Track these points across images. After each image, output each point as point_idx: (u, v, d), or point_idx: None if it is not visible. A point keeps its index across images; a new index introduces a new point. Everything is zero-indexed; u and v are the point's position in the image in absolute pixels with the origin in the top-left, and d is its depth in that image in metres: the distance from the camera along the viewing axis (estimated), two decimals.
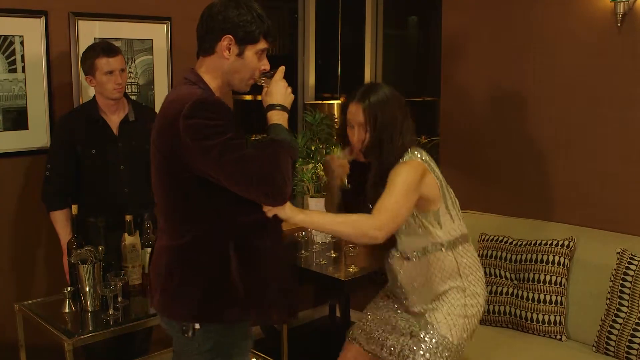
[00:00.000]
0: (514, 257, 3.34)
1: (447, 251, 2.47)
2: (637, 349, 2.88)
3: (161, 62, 3.77)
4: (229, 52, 2.06)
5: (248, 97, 4.91)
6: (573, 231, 3.32)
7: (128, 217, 2.90)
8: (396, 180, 2.34)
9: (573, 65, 3.45)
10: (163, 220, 2.17)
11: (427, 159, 2.46)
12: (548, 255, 3.23)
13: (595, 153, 3.42)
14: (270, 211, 2.06)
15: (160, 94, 3.77)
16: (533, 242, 3.32)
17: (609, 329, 3.00)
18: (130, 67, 3.61)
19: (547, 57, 3.55)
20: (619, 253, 3.07)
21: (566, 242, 3.23)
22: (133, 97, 3.47)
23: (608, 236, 3.27)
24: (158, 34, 3.73)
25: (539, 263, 3.24)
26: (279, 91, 2.12)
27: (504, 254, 3.38)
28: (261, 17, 2.09)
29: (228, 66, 2.08)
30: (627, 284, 2.98)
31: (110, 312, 2.66)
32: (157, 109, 3.51)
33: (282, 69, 2.16)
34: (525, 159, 3.69)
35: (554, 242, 3.26)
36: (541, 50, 3.57)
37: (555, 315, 3.17)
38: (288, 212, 2.10)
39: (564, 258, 3.20)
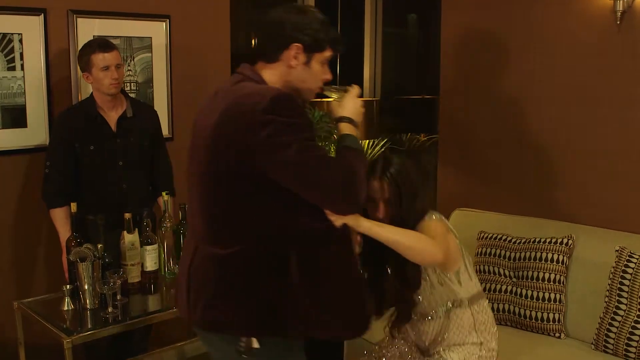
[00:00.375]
0: (513, 254, 3.34)
1: (466, 308, 2.48)
2: (635, 347, 2.89)
3: (160, 60, 3.77)
4: (296, 61, 1.98)
5: None
6: (572, 229, 3.32)
7: (127, 215, 2.90)
8: (428, 228, 2.32)
9: (572, 64, 3.45)
10: (207, 225, 1.98)
11: (444, 220, 2.46)
12: (547, 253, 3.23)
13: (594, 151, 3.42)
14: (338, 219, 1.95)
15: (160, 91, 3.77)
16: (532, 240, 3.32)
17: (607, 326, 3.00)
18: (129, 65, 3.61)
19: (546, 56, 3.55)
20: (617, 251, 3.07)
21: (565, 240, 3.23)
22: (132, 95, 3.48)
23: (607, 234, 3.27)
24: (157, 31, 3.73)
25: (538, 261, 3.24)
26: (353, 106, 2.08)
27: (503, 252, 3.38)
28: (326, 24, 2.03)
29: (295, 75, 2.00)
30: (626, 282, 2.98)
31: (109, 310, 2.66)
32: (157, 107, 3.58)
33: (357, 87, 2.13)
34: (524, 157, 3.69)
35: (553, 240, 3.26)
36: (540, 49, 3.57)
37: (554, 313, 3.17)
38: (358, 220, 2.03)
39: (563, 256, 3.20)
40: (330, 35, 2.03)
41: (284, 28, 1.97)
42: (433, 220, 2.38)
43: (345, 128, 2.04)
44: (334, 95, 2.12)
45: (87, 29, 3.45)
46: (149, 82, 3.73)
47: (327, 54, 2.04)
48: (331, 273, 1.97)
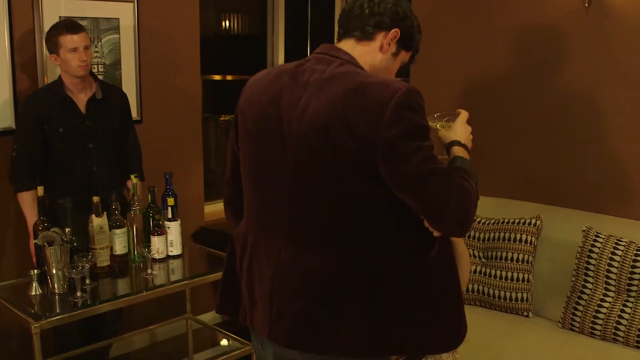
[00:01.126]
0: (482, 235, 3.38)
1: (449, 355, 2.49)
2: (601, 325, 2.94)
3: (128, 41, 3.72)
4: (388, 47, 1.84)
5: (217, 77, 4.87)
6: (540, 209, 3.36)
7: (95, 199, 2.87)
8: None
9: (541, 46, 3.48)
10: (299, 225, 1.76)
11: None
12: (516, 234, 3.27)
13: (561, 132, 3.46)
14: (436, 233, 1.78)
15: (128, 73, 3.72)
16: (501, 221, 3.36)
17: (574, 305, 3.05)
18: (96, 47, 3.56)
19: (515, 37, 3.57)
20: (584, 231, 3.12)
21: (533, 221, 3.27)
22: (100, 77, 3.43)
23: (574, 214, 3.31)
24: (124, 12, 3.68)
25: (506, 241, 3.28)
26: (463, 131, 1.96)
27: (472, 233, 3.41)
28: (420, 30, 1.93)
29: (382, 61, 1.85)
30: (593, 261, 3.03)
31: (78, 294, 2.64)
32: (125, 89, 3.54)
33: (466, 113, 2.01)
34: (493, 138, 3.72)
35: (522, 221, 3.30)
36: (509, 30, 3.59)
37: (522, 293, 3.22)
38: None
39: (531, 236, 3.24)
40: (419, 40, 1.94)
41: (388, 9, 1.84)
42: None
43: (459, 151, 1.89)
44: (439, 124, 2.02)
45: (53, 9, 3.39)
46: (116, 63, 3.68)
47: (407, 56, 1.92)
48: (433, 282, 1.79)
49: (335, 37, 1.99)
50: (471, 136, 1.96)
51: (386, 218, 1.72)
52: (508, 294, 3.24)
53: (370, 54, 1.84)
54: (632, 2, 3.15)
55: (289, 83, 1.77)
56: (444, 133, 1.98)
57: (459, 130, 1.95)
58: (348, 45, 1.85)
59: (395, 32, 1.83)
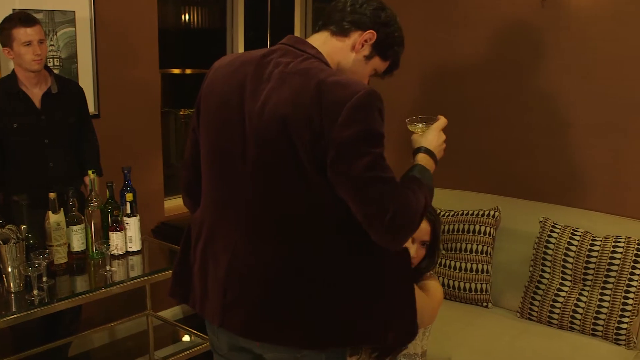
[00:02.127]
0: (442, 227, 3.40)
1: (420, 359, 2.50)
2: (558, 313, 3.00)
3: (84, 34, 3.65)
4: (361, 48, 1.81)
5: (176, 71, 4.83)
6: (498, 201, 3.41)
7: (52, 195, 2.81)
8: (434, 290, 2.20)
9: (499, 40, 3.52)
10: (257, 218, 1.74)
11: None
12: (475, 225, 3.31)
13: (517, 125, 3.50)
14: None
15: (84, 67, 3.66)
16: (460, 213, 3.39)
17: (532, 295, 3.10)
18: (51, 40, 3.49)
19: (473, 31, 3.60)
20: (542, 221, 3.17)
21: (492, 212, 3.31)
22: (56, 71, 3.37)
23: (531, 205, 3.36)
24: (80, 4, 3.61)
25: (466, 233, 3.32)
26: (435, 138, 1.93)
27: None
28: (404, 43, 1.90)
29: (351, 61, 1.82)
30: (550, 251, 3.08)
31: (35, 292, 2.59)
32: (82, 83, 3.48)
33: (444, 120, 1.99)
34: (451, 131, 3.73)
35: (480, 213, 3.34)
36: (468, 24, 3.62)
37: (481, 283, 3.26)
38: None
39: (490, 227, 3.28)
40: (399, 54, 1.91)
41: (370, 11, 1.82)
42: (437, 282, 2.26)
43: (422, 159, 1.86)
44: (418, 128, 1.99)
45: (6, 2, 3.31)
46: (73, 57, 3.62)
47: (383, 65, 1.89)
48: (391, 277, 1.79)
49: (298, 28, 1.97)
50: (444, 145, 1.93)
51: (344, 214, 1.68)
52: (468, 285, 3.28)
53: (342, 51, 1.82)
54: None
55: (253, 73, 1.75)
56: (416, 137, 1.95)
57: (430, 137, 1.93)
58: (321, 38, 1.82)
59: (370, 33, 1.81)
